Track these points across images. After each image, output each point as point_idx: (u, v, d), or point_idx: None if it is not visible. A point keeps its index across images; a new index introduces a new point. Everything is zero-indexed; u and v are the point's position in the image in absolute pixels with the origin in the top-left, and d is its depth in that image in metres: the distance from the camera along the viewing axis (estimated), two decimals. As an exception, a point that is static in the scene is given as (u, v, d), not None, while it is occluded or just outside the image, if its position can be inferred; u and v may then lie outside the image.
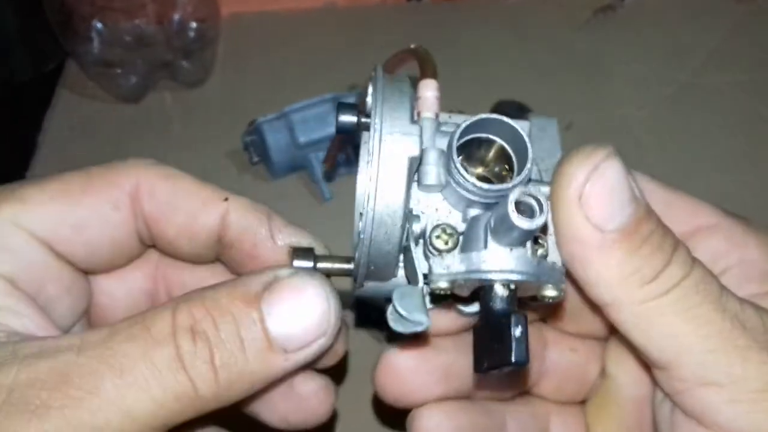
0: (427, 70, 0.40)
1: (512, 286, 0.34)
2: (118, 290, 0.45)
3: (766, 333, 0.34)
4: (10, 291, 0.37)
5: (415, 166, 0.36)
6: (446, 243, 0.36)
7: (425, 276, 0.36)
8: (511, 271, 0.34)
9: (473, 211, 0.36)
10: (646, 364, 0.37)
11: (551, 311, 0.44)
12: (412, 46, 0.42)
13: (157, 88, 0.92)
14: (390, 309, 0.34)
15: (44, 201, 0.39)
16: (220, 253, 0.44)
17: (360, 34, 0.99)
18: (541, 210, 0.32)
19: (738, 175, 0.84)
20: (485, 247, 0.34)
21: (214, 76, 0.93)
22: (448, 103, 0.40)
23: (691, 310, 0.34)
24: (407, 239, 0.36)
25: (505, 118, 0.36)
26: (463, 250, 0.36)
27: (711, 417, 0.34)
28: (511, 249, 0.34)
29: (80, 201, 0.40)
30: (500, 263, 0.34)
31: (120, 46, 0.88)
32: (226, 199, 0.42)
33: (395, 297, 0.34)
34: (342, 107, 0.39)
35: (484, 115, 0.36)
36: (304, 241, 0.42)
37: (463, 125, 0.35)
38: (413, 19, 1.02)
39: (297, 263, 0.40)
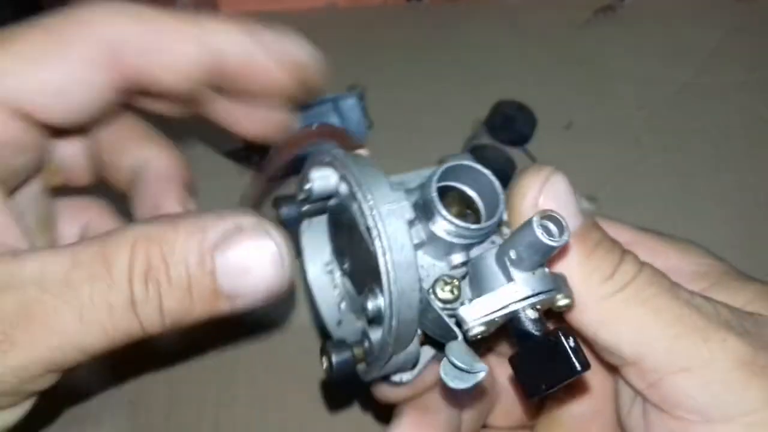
0: (352, 143, 0.42)
1: (539, 306, 0.36)
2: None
3: (719, 315, 0.36)
4: None
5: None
6: (452, 292, 0.37)
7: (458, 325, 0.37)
8: (541, 293, 0.35)
9: (456, 257, 0.38)
10: (612, 367, 0.39)
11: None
12: (314, 127, 0.43)
13: (158, 88, 0.92)
14: (444, 369, 0.35)
15: (23, 70, 0.37)
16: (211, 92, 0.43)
17: (360, 35, 0.99)
18: (565, 224, 0.34)
19: (738, 174, 0.84)
20: (510, 279, 0.36)
21: (214, 77, 0.93)
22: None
23: (650, 300, 0.36)
24: (422, 301, 0.37)
25: (473, 164, 0.38)
26: (477, 292, 0.37)
27: (687, 404, 0.35)
28: (534, 272, 0.35)
29: (60, 65, 0.38)
30: (531, 289, 0.35)
31: (120, 47, 0.88)
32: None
33: (450, 354, 0.35)
34: (280, 201, 0.41)
35: (452, 163, 0.38)
36: (299, 52, 0.42)
37: (439, 172, 0.37)
38: (413, 19, 1.02)
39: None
